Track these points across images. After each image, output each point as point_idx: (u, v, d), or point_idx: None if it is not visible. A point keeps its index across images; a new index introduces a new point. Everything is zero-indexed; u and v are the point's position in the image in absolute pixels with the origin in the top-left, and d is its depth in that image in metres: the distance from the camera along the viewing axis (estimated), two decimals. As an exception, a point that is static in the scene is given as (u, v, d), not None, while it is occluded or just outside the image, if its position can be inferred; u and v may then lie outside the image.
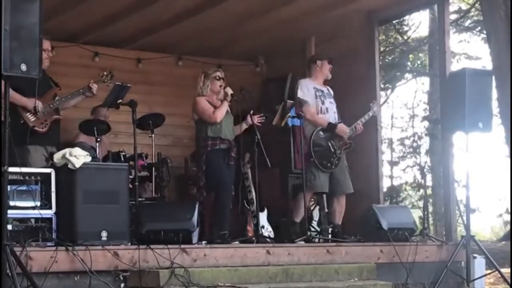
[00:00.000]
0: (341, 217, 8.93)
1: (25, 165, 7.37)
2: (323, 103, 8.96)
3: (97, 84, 8.26)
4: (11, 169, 6.19)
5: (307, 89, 8.90)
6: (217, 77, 8.62)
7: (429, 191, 20.70)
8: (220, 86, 8.58)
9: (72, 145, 7.77)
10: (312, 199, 9.67)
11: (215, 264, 7.17)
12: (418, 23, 21.80)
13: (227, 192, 8.41)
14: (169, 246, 6.94)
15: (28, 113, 7.82)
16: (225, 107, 8.53)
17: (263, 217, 9.31)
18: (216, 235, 8.15)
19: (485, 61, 20.56)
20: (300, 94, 8.86)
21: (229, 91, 8.55)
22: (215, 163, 8.43)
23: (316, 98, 8.91)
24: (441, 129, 9.58)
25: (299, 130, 9.13)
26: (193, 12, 9.84)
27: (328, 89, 9.15)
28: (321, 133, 8.81)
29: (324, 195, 9.53)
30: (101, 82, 8.43)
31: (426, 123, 21.22)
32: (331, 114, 8.98)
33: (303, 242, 8.16)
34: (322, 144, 8.78)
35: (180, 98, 11.05)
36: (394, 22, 17.75)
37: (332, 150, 8.79)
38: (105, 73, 8.43)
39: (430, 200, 20.64)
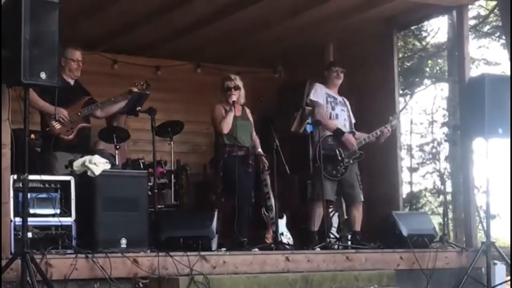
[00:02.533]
0: (360, 223, 8.90)
1: (52, 172, 7.45)
2: (333, 109, 8.95)
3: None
4: (31, 177, 6.23)
5: (320, 91, 8.90)
6: (227, 87, 8.60)
7: (449, 198, 20.60)
8: (230, 95, 8.56)
9: (92, 152, 7.81)
10: (331, 206, 9.64)
11: (234, 271, 7.17)
12: (437, 29, 21.70)
13: (245, 199, 8.39)
14: (189, 253, 6.95)
15: (54, 121, 7.87)
16: (231, 117, 8.46)
17: (282, 224, 9.29)
18: (235, 242, 8.15)
19: (505, 67, 20.48)
20: (312, 96, 8.85)
21: (231, 98, 8.53)
22: (232, 170, 8.42)
23: (326, 103, 8.89)
24: (460, 135, 9.55)
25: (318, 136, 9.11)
26: (211, 19, 9.86)
27: (343, 99, 9.12)
28: (329, 139, 8.78)
29: (344, 203, 9.52)
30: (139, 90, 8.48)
31: (445, 129, 21.16)
32: (341, 120, 8.96)
33: (319, 249, 8.15)
34: (329, 150, 8.74)
35: (199, 105, 11.07)
36: (412, 28, 17.70)
37: (339, 158, 8.74)
38: (141, 82, 8.47)
39: (450, 207, 20.55)
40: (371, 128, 9.03)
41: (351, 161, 8.81)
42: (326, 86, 9.06)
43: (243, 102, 8.71)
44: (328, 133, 8.82)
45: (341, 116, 8.99)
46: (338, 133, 8.80)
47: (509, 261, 8.57)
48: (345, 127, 8.96)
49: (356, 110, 9.34)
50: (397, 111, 10.20)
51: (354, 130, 9.02)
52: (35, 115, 7.88)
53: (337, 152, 8.73)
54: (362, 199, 8.87)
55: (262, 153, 8.65)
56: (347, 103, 9.16)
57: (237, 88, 8.58)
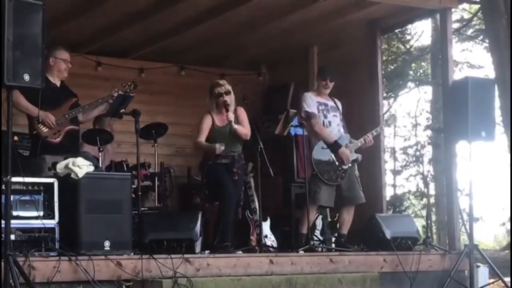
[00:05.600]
0: (348, 227, 8.89)
1: (41, 175, 7.42)
2: (325, 117, 8.89)
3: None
4: (14, 179, 6.21)
5: (311, 101, 8.86)
6: (218, 94, 8.51)
7: (432, 200, 20.66)
8: (223, 102, 8.46)
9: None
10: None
11: (218, 274, 7.16)
12: (421, 32, 21.75)
13: (229, 204, 8.33)
14: (172, 255, 6.94)
15: (41, 124, 7.84)
16: (207, 150, 8.42)
17: (266, 226, 9.31)
18: (218, 246, 8.14)
19: (488, 70, 20.58)
20: (306, 107, 8.80)
21: (228, 111, 8.41)
22: (217, 176, 8.36)
23: (318, 112, 8.85)
24: (444, 138, 9.58)
25: (302, 139, 9.11)
26: (195, 21, 9.86)
27: (334, 102, 9.05)
28: (323, 146, 8.76)
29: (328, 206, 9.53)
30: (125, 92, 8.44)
31: (429, 132, 21.21)
32: (334, 127, 8.88)
33: (302, 252, 8.15)
34: (325, 157, 8.73)
35: (183, 108, 11.07)
36: (396, 31, 17.74)
37: (336, 163, 8.73)
38: (128, 83, 8.44)
39: (433, 209, 20.60)
40: (355, 130, 9.02)
41: (350, 164, 8.79)
42: (316, 93, 9.01)
43: (234, 108, 8.60)
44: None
45: (334, 122, 8.90)
46: (334, 147, 8.76)
47: (492, 264, 8.62)
48: (339, 133, 8.91)
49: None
50: (381, 113, 10.23)
51: (348, 134, 8.98)
52: (19, 117, 7.84)
53: (332, 158, 8.71)
54: (364, 200, 8.88)
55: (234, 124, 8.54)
56: (338, 104, 9.09)
57: (228, 93, 8.49)
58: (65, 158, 7.26)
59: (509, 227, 21.08)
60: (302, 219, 8.78)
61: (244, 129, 8.49)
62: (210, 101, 8.54)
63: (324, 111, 8.90)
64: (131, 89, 8.37)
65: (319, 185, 8.63)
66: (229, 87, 8.52)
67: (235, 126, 8.40)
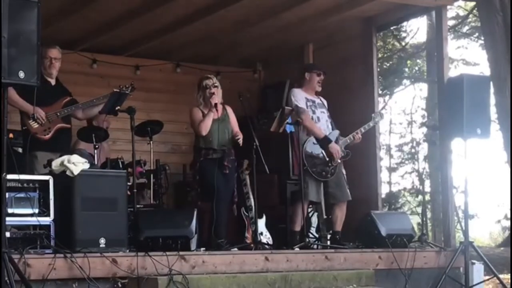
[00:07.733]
0: (342, 224, 8.92)
1: (33, 171, 7.42)
2: (314, 112, 8.92)
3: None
4: (9, 176, 6.20)
5: (300, 97, 8.88)
6: (206, 86, 8.55)
7: (427, 197, 20.69)
8: (210, 94, 8.50)
9: (72, 152, 7.78)
10: (310, 206, 9.65)
11: (213, 271, 7.16)
12: (416, 30, 21.80)
13: (221, 200, 8.34)
14: (168, 253, 6.93)
15: (31, 120, 7.85)
16: (210, 118, 8.41)
17: (261, 223, 9.31)
18: (213, 243, 8.14)
19: (483, 67, 20.63)
20: (297, 102, 8.83)
21: (214, 100, 8.48)
22: (208, 172, 8.39)
23: (307, 107, 8.88)
24: (439, 135, 9.58)
25: (297, 136, 9.12)
26: (191, 19, 9.85)
27: (320, 99, 9.10)
28: (314, 141, 8.78)
29: (323, 203, 9.53)
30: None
31: (424, 129, 21.24)
32: (323, 122, 8.95)
33: (298, 249, 8.15)
34: (315, 152, 8.75)
35: (178, 105, 11.05)
36: (392, 28, 17.76)
37: (327, 159, 8.76)
38: (126, 85, 8.44)
39: (429, 206, 20.64)
40: (350, 128, 9.03)
41: (339, 161, 8.82)
42: (304, 89, 9.03)
43: (221, 101, 8.66)
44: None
45: (322, 119, 8.97)
46: (324, 142, 8.78)
47: (487, 261, 8.63)
48: (328, 129, 8.95)
49: (336, 110, 9.34)
50: (376, 110, 10.23)
51: (336, 130, 9.00)
52: (14, 114, 7.84)
53: (323, 153, 8.74)
54: (350, 198, 8.89)
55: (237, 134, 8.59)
56: (325, 102, 9.15)
57: (215, 86, 8.55)
58: (57, 156, 7.26)
59: (504, 224, 21.15)
60: (293, 217, 8.80)
61: (240, 134, 8.57)
62: (198, 95, 8.57)
63: (312, 107, 8.94)
64: (129, 90, 8.38)
65: (307, 180, 8.63)
66: (217, 82, 8.57)
67: (240, 140, 8.48)
